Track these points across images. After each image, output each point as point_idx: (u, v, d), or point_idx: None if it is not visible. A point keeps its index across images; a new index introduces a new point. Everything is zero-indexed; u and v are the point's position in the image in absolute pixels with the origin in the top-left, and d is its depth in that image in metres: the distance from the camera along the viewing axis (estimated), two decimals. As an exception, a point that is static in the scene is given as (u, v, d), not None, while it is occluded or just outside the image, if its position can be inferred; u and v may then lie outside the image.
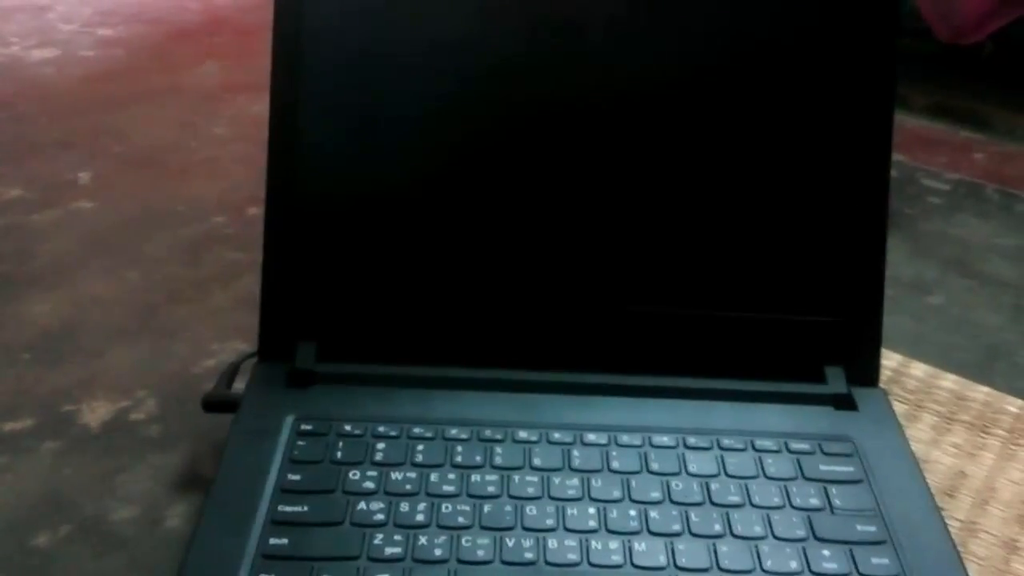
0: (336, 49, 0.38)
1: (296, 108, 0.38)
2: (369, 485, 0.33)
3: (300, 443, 0.35)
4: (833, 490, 0.34)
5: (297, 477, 0.33)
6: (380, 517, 0.32)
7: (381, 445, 0.35)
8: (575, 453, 0.35)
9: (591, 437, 0.36)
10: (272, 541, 0.31)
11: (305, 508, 0.32)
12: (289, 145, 0.38)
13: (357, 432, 0.35)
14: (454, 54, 0.38)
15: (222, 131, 0.71)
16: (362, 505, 0.32)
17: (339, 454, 0.34)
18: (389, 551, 0.31)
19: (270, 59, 0.38)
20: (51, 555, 0.34)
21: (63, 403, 0.42)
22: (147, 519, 0.36)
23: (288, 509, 0.32)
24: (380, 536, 0.31)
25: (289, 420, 0.36)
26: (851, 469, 0.35)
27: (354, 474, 0.33)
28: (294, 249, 0.38)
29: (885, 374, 0.40)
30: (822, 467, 0.35)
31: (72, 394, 0.43)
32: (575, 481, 0.34)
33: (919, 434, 0.41)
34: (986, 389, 0.45)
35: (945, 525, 0.33)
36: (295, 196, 0.38)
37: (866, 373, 0.39)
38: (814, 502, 0.33)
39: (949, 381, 0.45)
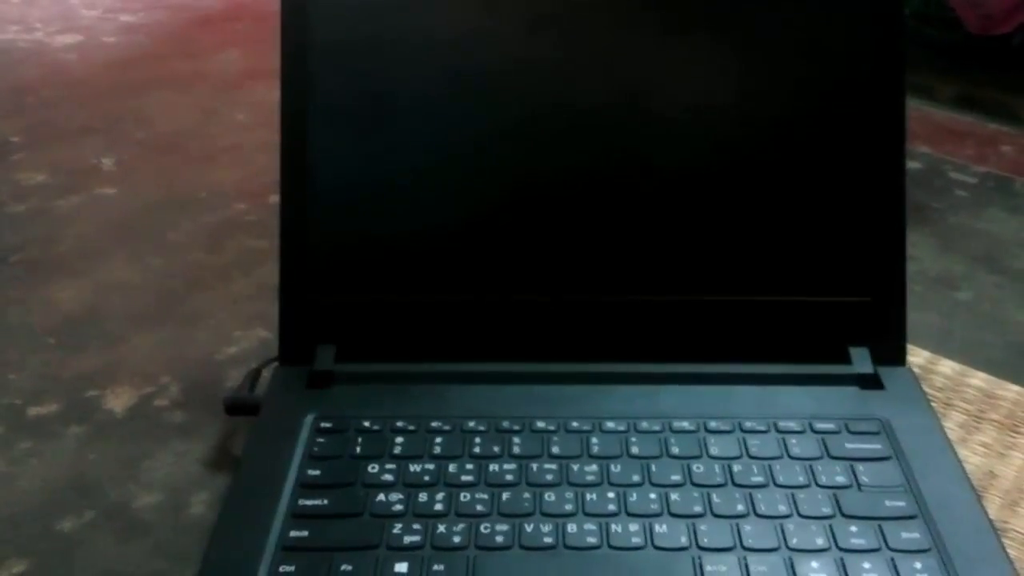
0: (348, 49, 0.38)
1: (308, 108, 0.37)
2: (388, 477, 0.33)
3: (320, 440, 0.35)
4: (860, 467, 0.33)
5: (316, 472, 0.33)
6: (399, 507, 0.32)
7: (399, 439, 0.35)
8: (594, 440, 0.35)
9: (610, 425, 0.35)
10: (292, 533, 0.31)
11: (325, 501, 0.32)
12: (302, 149, 0.38)
13: (376, 428, 0.35)
14: (467, 43, 0.38)
15: (243, 118, 0.71)
16: (381, 496, 0.32)
17: (358, 449, 0.34)
18: (408, 539, 0.31)
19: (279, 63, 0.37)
20: (76, 540, 0.35)
21: (87, 388, 0.43)
22: (170, 505, 0.36)
23: (308, 503, 0.32)
24: (399, 526, 0.31)
25: (309, 419, 0.36)
26: (878, 446, 0.34)
27: (373, 467, 0.34)
28: (310, 256, 0.38)
29: (913, 371, 0.40)
30: (848, 445, 0.34)
31: (96, 379, 0.43)
32: (594, 467, 0.33)
33: (947, 433, 0.41)
34: (1016, 388, 0.44)
35: (978, 497, 0.32)
36: (309, 208, 0.38)
37: (892, 352, 0.38)
38: (840, 480, 0.33)
39: (978, 379, 0.44)
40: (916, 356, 0.45)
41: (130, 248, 0.54)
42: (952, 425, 0.41)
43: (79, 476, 0.38)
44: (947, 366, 0.45)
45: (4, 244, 0.53)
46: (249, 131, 0.69)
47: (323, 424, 0.35)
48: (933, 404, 0.42)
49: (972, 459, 0.39)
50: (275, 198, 0.59)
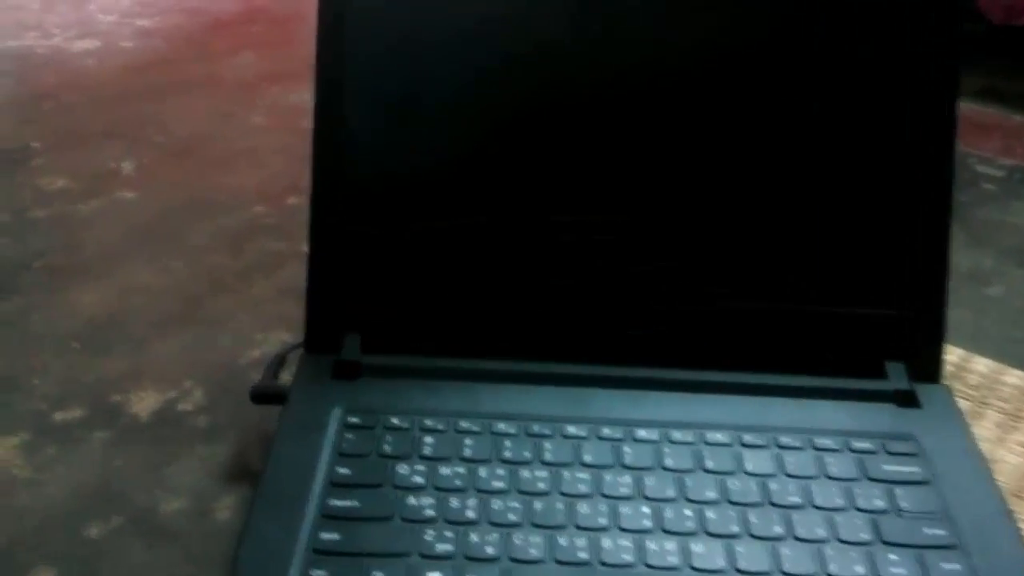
0: (381, 38, 0.37)
1: (341, 101, 0.37)
2: (418, 480, 0.33)
3: (348, 436, 0.34)
4: (898, 491, 0.33)
5: (346, 471, 0.33)
6: (430, 513, 0.31)
7: (429, 439, 0.34)
8: (626, 449, 0.34)
9: (642, 433, 0.35)
10: (323, 535, 0.30)
11: (355, 502, 0.32)
12: (334, 138, 0.37)
13: (404, 425, 0.35)
14: (501, 38, 0.37)
15: (260, 120, 0.71)
16: (411, 500, 0.32)
17: (387, 447, 0.34)
18: (440, 548, 0.30)
19: (313, 49, 0.37)
20: (103, 546, 0.34)
21: (112, 393, 0.42)
22: (197, 511, 0.36)
23: (338, 503, 0.32)
24: (431, 532, 0.31)
25: (337, 413, 0.35)
26: (916, 469, 0.33)
27: (403, 468, 0.33)
28: (340, 241, 0.38)
29: (946, 369, 0.39)
30: (886, 467, 0.33)
31: (120, 384, 0.43)
32: (627, 479, 0.33)
33: (984, 432, 0.40)
34: (1053, 385, 0.43)
35: (1017, 528, 0.31)
36: (340, 189, 0.38)
37: (929, 369, 0.37)
38: (879, 504, 0.32)
39: (1014, 377, 0.43)
40: (949, 354, 0.44)
41: (151, 252, 0.54)
42: (989, 424, 0.41)
43: (105, 482, 0.37)
44: (981, 364, 0.44)
45: (27, 250, 0.53)
46: (266, 134, 0.69)
47: (351, 419, 0.35)
48: (968, 403, 0.42)
49: (1009, 459, 0.39)
50: (293, 200, 0.60)
